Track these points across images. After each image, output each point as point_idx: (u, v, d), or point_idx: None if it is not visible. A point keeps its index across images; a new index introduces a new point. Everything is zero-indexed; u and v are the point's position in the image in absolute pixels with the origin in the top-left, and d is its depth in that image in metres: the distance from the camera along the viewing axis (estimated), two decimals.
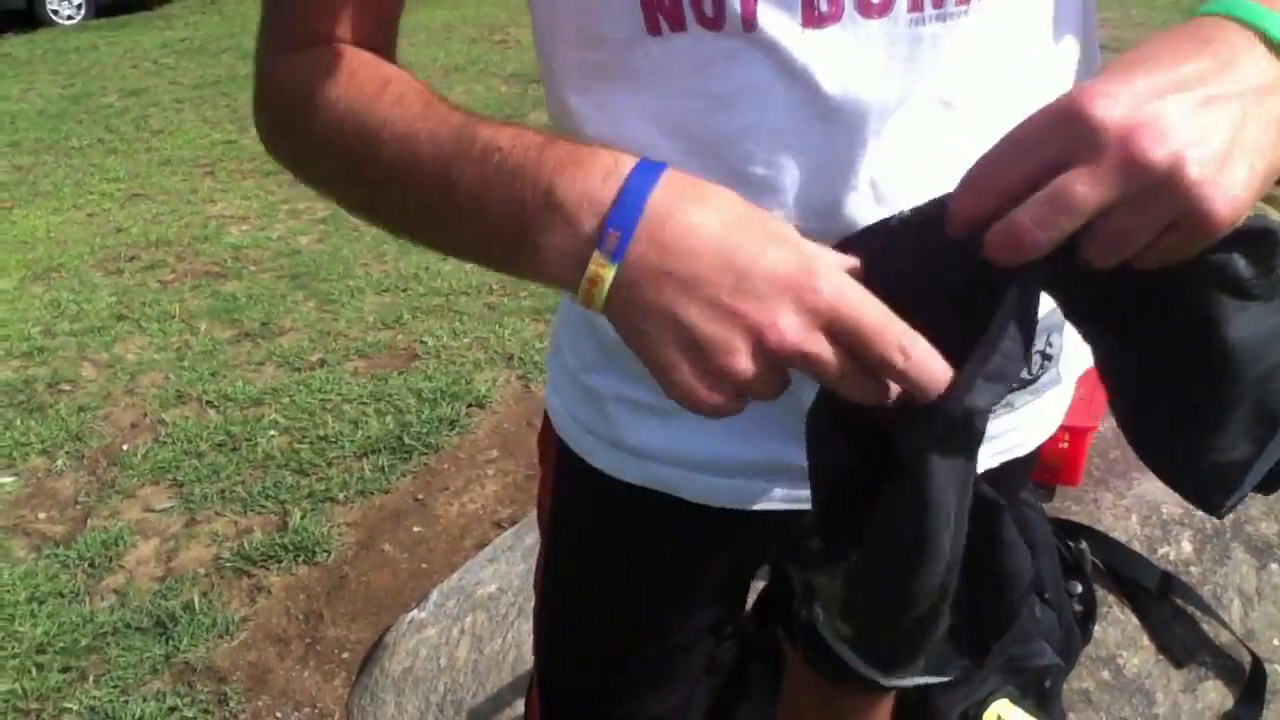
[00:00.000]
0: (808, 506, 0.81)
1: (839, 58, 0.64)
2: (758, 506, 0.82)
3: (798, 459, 0.78)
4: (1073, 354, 0.86)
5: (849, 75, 0.64)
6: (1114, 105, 0.45)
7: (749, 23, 0.63)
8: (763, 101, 0.65)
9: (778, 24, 0.63)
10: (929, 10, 0.64)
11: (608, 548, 0.94)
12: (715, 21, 0.64)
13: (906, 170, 0.67)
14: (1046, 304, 0.79)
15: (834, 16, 0.63)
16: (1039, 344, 0.82)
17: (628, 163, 0.53)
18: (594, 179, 0.52)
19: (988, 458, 0.84)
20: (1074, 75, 0.74)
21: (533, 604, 1.07)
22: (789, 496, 0.81)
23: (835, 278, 0.51)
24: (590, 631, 0.99)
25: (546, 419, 0.95)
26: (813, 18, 0.63)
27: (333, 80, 0.64)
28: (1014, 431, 0.85)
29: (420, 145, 0.59)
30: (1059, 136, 0.46)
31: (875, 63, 0.64)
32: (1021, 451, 0.87)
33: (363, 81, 0.64)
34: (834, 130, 0.65)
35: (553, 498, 0.97)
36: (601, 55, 0.69)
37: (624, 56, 0.68)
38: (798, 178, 0.66)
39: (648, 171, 0.52)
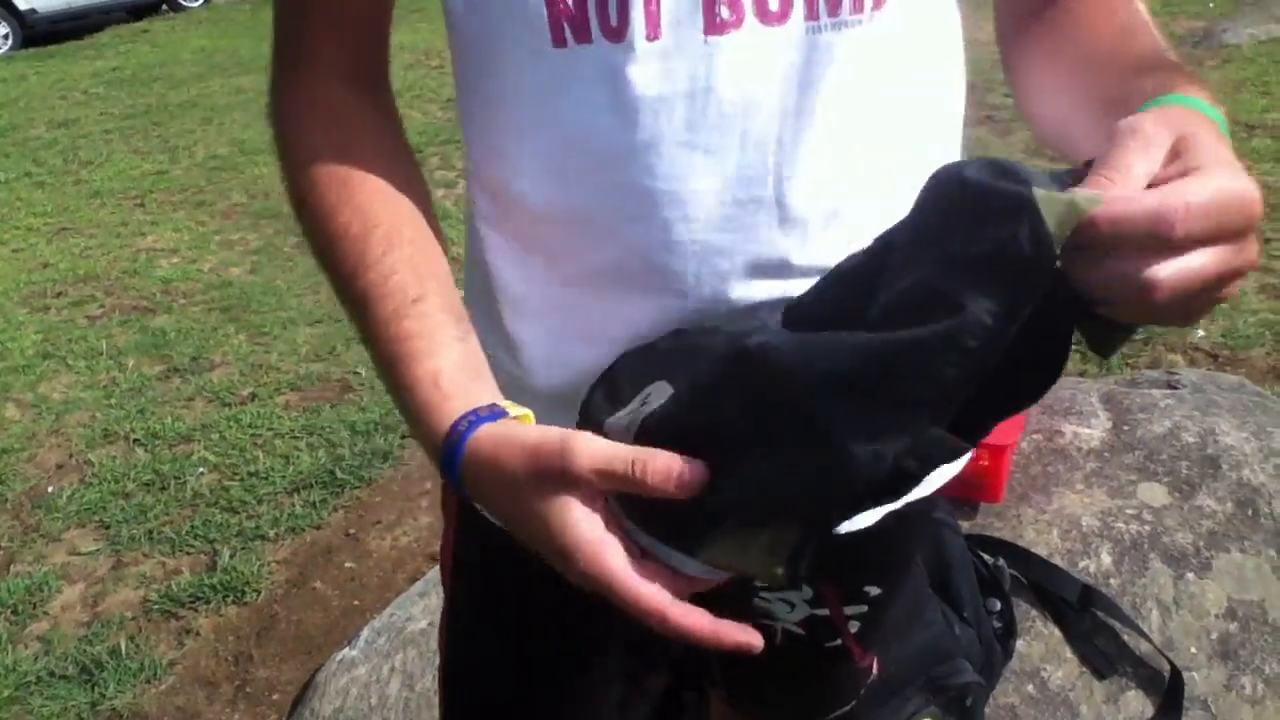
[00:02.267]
0: None
1: (740, 66, 0.65)
2: None
3: None
4: None
5: (749, 84, 0.65)
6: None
7: (653, 31, 0.64)
8: (664, 113, 0.65)
9: (680, 32, 0.64)
10: (824, 19, 0.65)
11: (511, 606, 0.93)
12: (619, 32, 0.64)
13: (810, 180, 0.68)
14: None
15: (735, 23, 0.64)
16: None
17: (452, 428, 0.64)
18: (436, 437, 0.65)
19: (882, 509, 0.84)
20: (958, 84, 0.76)
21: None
22: None
23: (582, 565, 0.59)
24: (496, 689, 0.98)
25: None
26: (714, 24, 0.64)
27: (337, 200, 0.73)
28: None
29: (352, 294, 0.72)
30: (1238, 220, 0.48)
31: (775, 71, 0.65)
32: (925, 490, 0.86)
33: (324, 194, 0.73)
34: (736, 141, 0.66)
35: (454, 554, 0.96)
36: (504, 70, 0.70)
37: (526, 71, 0.68)
38: (701, 190, 0.67)
39: (460, 445, 0.63)
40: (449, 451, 0.63)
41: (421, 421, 0.66)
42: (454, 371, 0.67)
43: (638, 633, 0.98)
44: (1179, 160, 0.49)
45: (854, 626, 0.99)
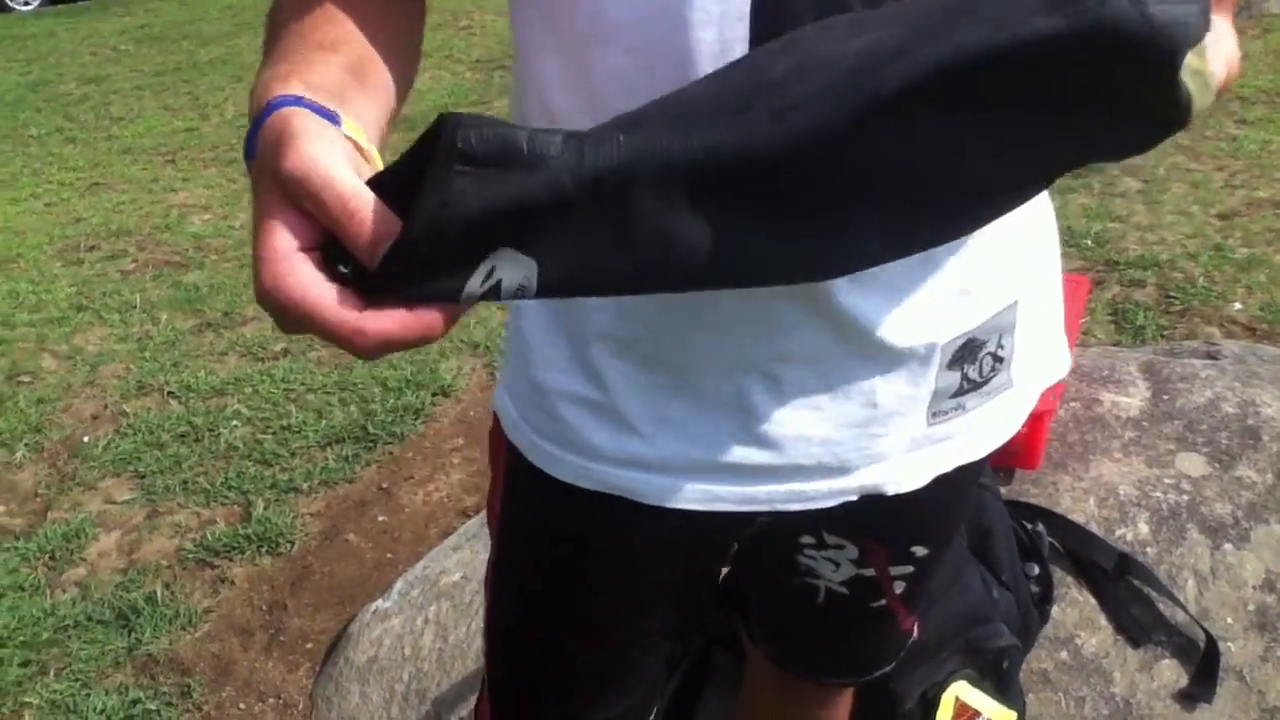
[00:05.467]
0: (761, 508, 0.82)
1: None
2: (709, 507, 0.82)
3: (747, 457, 0.79)
4: (1027, 360, 0.84)
5: None
6: None
7: None
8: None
9: None
10: None
11: (559, 554, 0.93)
12: None
13: None
14: (999, 304, 0.78)
15: None
16: (990, 345, 0.81)
17: (269, 101, 0.55)
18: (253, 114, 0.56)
19: (939, 461, 0.84)
20: None
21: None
22: (740, 496, 0.81)
23: (264, 279, 0.51)
24: (542, 637, 0.98)
25: (496, 419, 0.93)
26: None
27: None
28: (965, 435, 0.84)
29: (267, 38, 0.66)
30: None
31: None
32: (973, 455, 0.86)
33: (299, 10, 0.65)
34: None
35: (502, 502, 0.96)
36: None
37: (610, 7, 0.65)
38: None
39: (264, 115, 0.54)
40: (253, 124, 0.55)
41: (251, 109, 0.57)
42: (311, 79, 0.58)
43: (684, 591, 0.99)
44: None
45: (899, 587, 0.98)
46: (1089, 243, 3.57)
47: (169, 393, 3.15)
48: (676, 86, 0.56)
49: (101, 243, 4.41)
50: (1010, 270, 0.80)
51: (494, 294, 0.49)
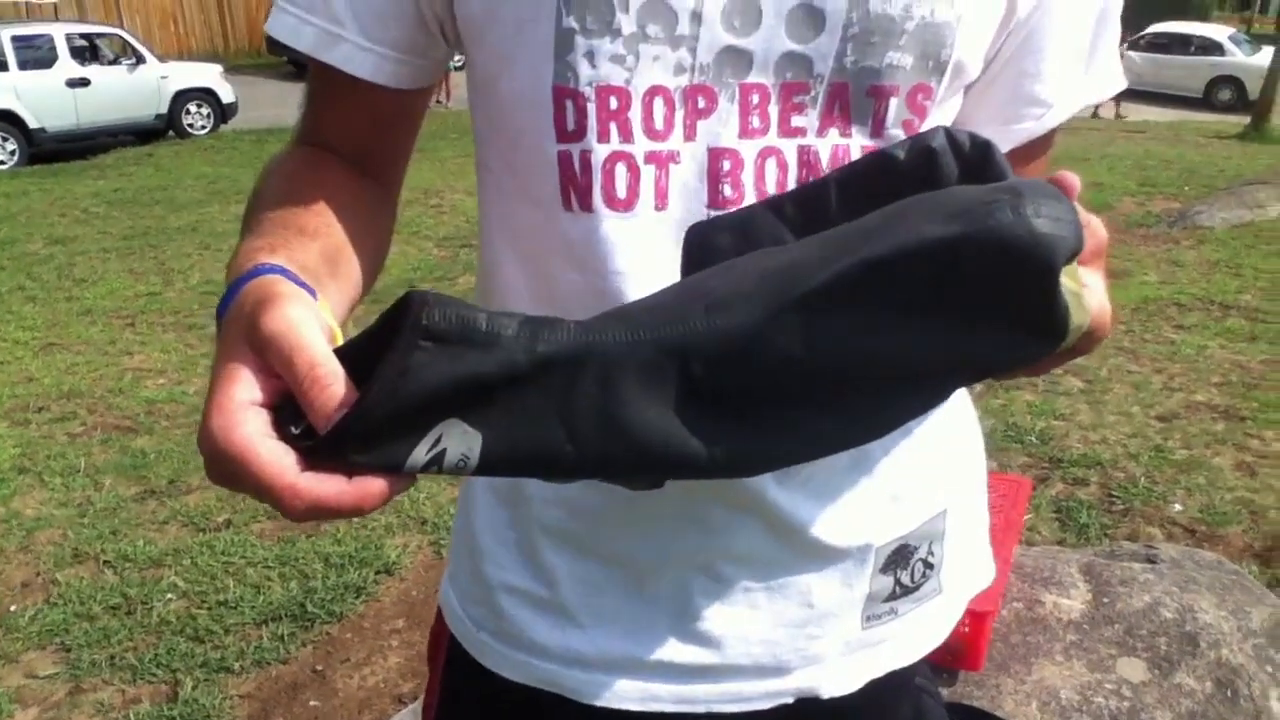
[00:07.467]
0: (699, 708, 0.82)
1: None
2: (646, 708, 0.81)
3: (685, 655, 0.80)
4: (956, 568, 0.87)
5: None
6: None
7: (660, 202, 0.69)
8: (670, 279, 0.68)
9: (688, 203, 0.69)
10: None
11: None
12: (627, 203, 0.69)
13: None
14: (929, 511, 0.82)
15: (736, 200, 0.69)
16: (921, 551, 0.84)
17: (250, 270, 0.58)
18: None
19: (873, 665, 0.85)
20: None
21: None
22: (678, 696, 0.81)
23: (210, 420, 0.51)
24: None
25: (440, 613, 0.93)
26: (718, 200, 0.69)
27: (274, 181, 0.74)
28: (897, 639, 0.85)
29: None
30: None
31: None
32: (905, 660, 0.87)
33: (283, 199, 0.70)
34: None
35: (440, 702, 0.94)
36: (522, 221, 0.74)
37: (540, 226, 0.72)
38: None
39: (240, 284, 0.57)
40: (232, 285, 0.57)
41: (229, 274, 0.59)
42: (294, 257, 0.61)
43: None
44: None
45: None
46: (1034, 439, 3.64)
47: (105, 562, 3.07)
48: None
49: (51, 404, 4.37)
50: (939, 479, 0.84)
51: (436, 464, 0.51)
